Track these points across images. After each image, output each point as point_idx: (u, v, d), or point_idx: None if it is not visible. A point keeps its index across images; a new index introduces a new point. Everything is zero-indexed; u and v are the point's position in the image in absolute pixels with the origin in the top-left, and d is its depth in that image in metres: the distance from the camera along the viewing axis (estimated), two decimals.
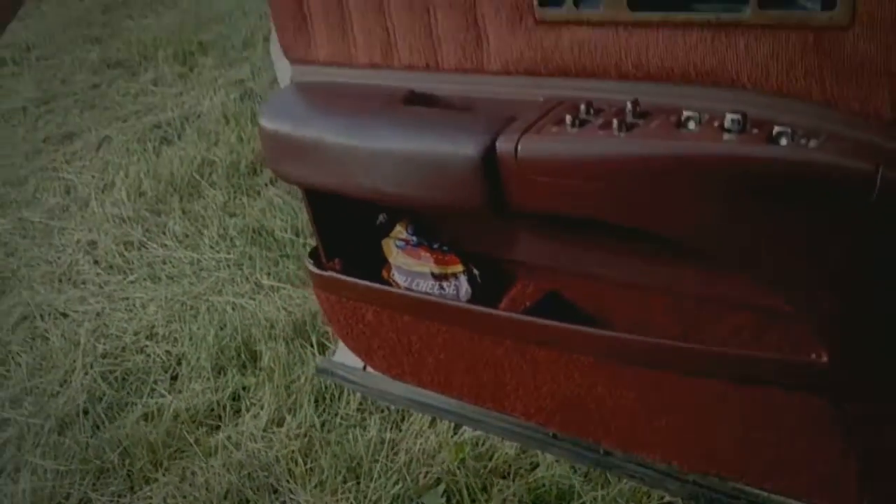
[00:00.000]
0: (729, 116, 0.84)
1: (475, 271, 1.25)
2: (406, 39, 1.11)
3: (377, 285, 1.27)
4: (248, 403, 2.17)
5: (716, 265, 1.01)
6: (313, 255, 1.36)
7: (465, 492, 1.76)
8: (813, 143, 0.80)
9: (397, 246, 1.29)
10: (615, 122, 0.90)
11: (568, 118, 0.94)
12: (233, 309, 2.52)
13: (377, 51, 1.15)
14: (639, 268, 1.13)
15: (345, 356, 1.69)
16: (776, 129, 0.82)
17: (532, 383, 1.17)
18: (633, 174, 0.89)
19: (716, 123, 0.86)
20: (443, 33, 1.07)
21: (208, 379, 2.27)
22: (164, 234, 3.00)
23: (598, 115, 0.94)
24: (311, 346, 2.26)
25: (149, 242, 2.97)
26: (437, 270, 1.25)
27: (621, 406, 1.09)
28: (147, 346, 2.47)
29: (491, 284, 1.26)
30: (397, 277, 1.28)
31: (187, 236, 2.95)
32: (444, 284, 1.25)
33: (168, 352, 2.42)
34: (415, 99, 1.12)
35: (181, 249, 2.89)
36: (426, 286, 1.25)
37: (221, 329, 2.43)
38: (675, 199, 0.89)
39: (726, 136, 0.84)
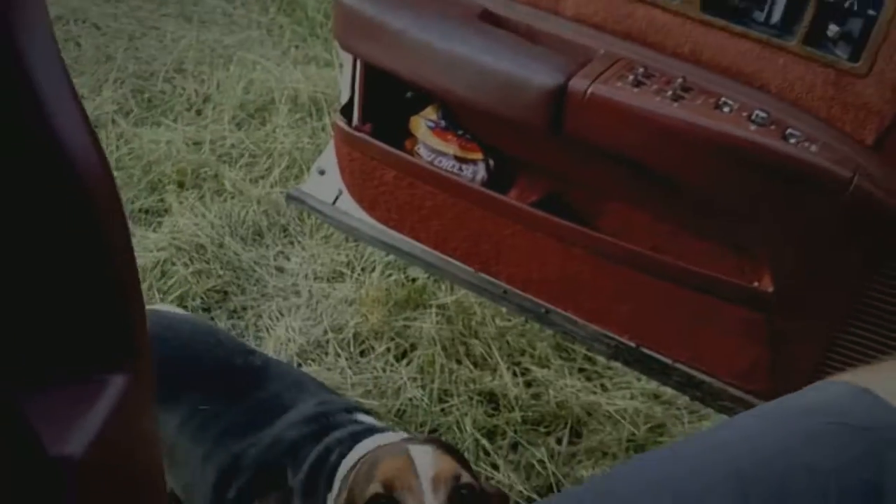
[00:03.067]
0: (757, 111, 1.14)
1: (491, 161, 1.51)
2: None
3: (409, 157, 1.50)
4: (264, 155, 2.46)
5: (701, 205, 1.32)
6: (345, 112, 1.57)
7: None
8: (813, 148, 1.12)
9: (427, 126, 1.52)
10: (668, 91, 1.18)
11: (630, 77, 1.20)
12: (261, 69, 2.78)
13: None
14: (632, 190, 1.42)
15: (314, 188, 1.91)
16: (789, 129, 1.13)
17: (525, 259, 1.47)
18: (675, 134, 1.18)
19: (744, 113, 1.15)
20: None
21: (230, 122, 2.56)
22: None
23: (650, 79, 1.21)
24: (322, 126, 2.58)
25: None
26: (459, 154, 1.50)
27: (598, 290, 1.42)
28: (175, 78, 2.73)
29: (502, 175, 1.52)
30: (422, 152, 1.52)
31: None
32: (464, 167, 1.50)
33: (196, 90, 2.68)
34: (488, 17, 1.34)
35: None
36: (448, 165, 1.50)
37: (249, 84, 2.71)
38: (701, 159, 1.19)
39: (752, 126, 1.14)
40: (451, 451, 1.07)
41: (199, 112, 2.63)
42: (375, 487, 0.99)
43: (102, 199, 0.62)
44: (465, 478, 1.01)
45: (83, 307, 0.63)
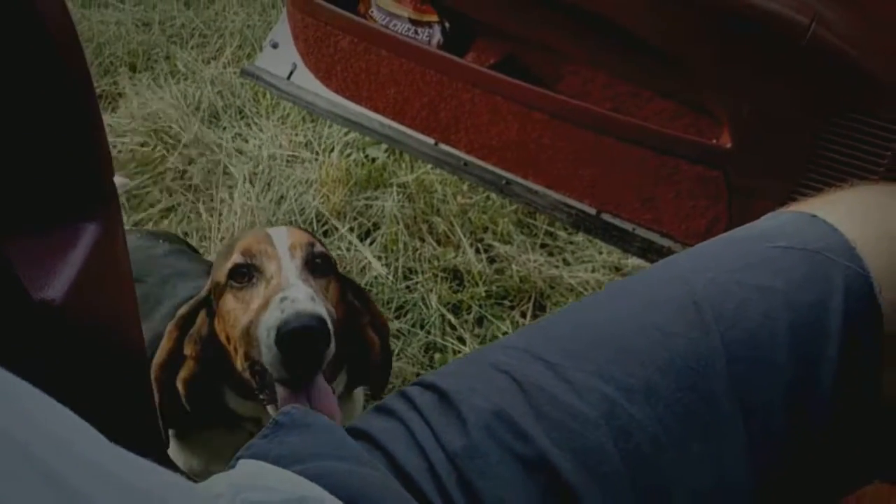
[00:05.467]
0: None
1: (447, 24, 1.46)
2: None
3: (363, 20, 1.45)
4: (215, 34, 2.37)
5: (660, 63, 1.30)
6: None
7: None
8: None
9: None
10: None
11: None
12: None
13: None
14: (589, 48, 1.39)
15: (268, 62, 1.86)
16: None
17: (485, 125, 1.44)
18: None
19: None
20: None
21: (178, 1, 2.50)
22: None
23: None
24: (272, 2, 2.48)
25: None
26: (414, 16, 1.45)
27: (558, 155, 1.40)
28: None
29: (458, 38, 1.48)
30: (375, 15, 1.47)
31: None
32: (419, 30, 1.45)
33: None
34: None
35: None
36: (402, 28, 1.46)
37: None
38: (657, 11, 1.16)
39: None
40: (311, 234, 1.11)
41: None
42: (235, 258, 1.03)
43: (67, 51, 0.63)
44: (319, 247, 1.06)
45: (54, 157, 0.66)
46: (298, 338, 0.92)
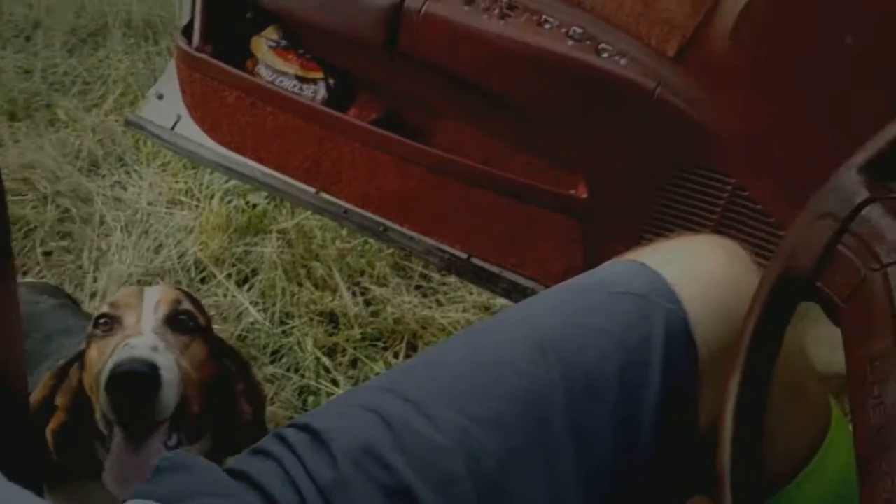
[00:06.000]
0: (574, 28, 1.26)
1: (332, 80, 1.57)
2: None
3: (250, 77, 1.55)
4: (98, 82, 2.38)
5: (526, 120, 1.44)
6: (186, 33, 1.59)
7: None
8: (623, 61, 1.25)
9: (268, 45, 1.56)
10: (495, 9, 1.28)
11: None
12: None
13: None
14: (464, 107, 1.52)
15: (153, 113, 1.92)
16: (601, 45, 1.26)
17: (364, 177, 1.55)
18: (500, 51, 1.29)
19: (564, 30, 1.27)
20: None
21: (61, 48, 2.47)
22: None
23: None
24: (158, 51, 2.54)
25: None
26: (300, 73, 1.55)
27: (432, 204, 1.52)
28: (2, 2, 2.65)
29: (342, 94, 1.59)
30: (262, 72, 1.57)
31: None
32: (305, 86, 1.56)
33: (25, 15, 2.61)
34: None
35: None
36: (289, 85, 1.55)
37: (80, 8, 2.71)
38: (524, 75, 1.30)
39: (569, 42, 1.26)
40: (186, 293, 1.15)
41: (28, 38, 2.58)
42: (103, 308, 1.08)
43: None
44: (187, 305, 1.10)
45: None
46: (121, 379, 0.95)
